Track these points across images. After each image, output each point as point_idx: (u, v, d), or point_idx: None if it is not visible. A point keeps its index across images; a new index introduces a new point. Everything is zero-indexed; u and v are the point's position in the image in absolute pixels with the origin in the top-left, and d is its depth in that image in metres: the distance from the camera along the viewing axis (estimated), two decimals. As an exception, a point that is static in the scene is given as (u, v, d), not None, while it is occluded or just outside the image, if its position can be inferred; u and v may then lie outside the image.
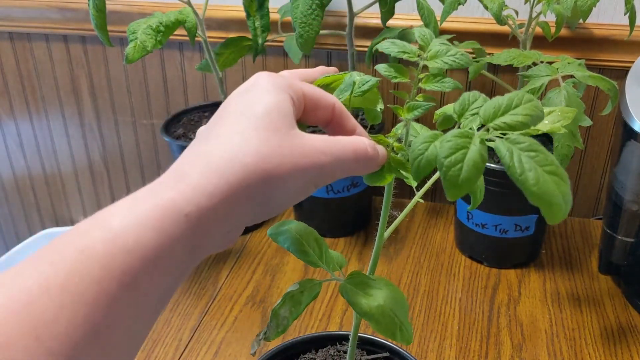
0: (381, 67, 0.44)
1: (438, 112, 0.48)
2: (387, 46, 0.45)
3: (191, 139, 0.93)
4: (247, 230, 0.99)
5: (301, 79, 0.42)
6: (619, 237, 0.81)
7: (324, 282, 0.48)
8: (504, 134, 0.35)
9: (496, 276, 0.88)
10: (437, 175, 0.48)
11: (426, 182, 0.48)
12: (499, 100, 0.37)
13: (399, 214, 0.49)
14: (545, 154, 0.34)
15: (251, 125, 0.36)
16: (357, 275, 0.47)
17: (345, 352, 0.60)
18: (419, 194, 0.50)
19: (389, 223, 0.50)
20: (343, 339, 0.61)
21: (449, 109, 0.45)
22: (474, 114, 0.38)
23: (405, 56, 0.45)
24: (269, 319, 0.45)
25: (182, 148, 0.91)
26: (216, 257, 0.94)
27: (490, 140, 0.35)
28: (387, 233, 0.50)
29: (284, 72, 0.42)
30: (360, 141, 0.40)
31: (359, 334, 0.60)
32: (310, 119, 0.41)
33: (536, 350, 0.75)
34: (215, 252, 0.38)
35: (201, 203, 0.33)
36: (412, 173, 0.37)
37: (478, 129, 0.36)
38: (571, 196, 0.34)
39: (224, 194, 0.33)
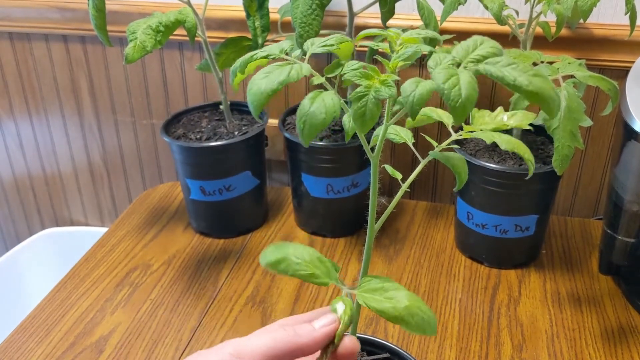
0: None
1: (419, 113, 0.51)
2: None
3: (191, 139, 0.93)
4: (247, 231, 0.99)
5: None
6: (620, 237, 0.81)
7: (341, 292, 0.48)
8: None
9: (496, 276, 0.88)
10: (421, 165, 0.50)
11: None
12: (464, 43, 0.42)
13: (387, 202, 0.50)
14: (524, 64, 0.39)
15: None
16: (369, 281, 0.47)
17: (345, 353, 0.59)
18: (405, 184, 0.51)
19: (380, 214, 0.51)
20: (343, 339, 0.61)
21: (427, 110, 0.52)
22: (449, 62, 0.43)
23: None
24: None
25: (182, 148, 0.91)
26: (216, 257, 0.94)
27: (470, 63, 0.40)
28: (377, 225, 0.51)
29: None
30: None
31: (359, 335, 0.59)
32: None
33: (536, 351, 0.75)
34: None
35: None
36: (407, 109, 0.40)
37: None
38: (556, 90, 0.38)
39: None
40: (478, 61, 0.40)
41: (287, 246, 0.47)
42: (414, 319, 0.44)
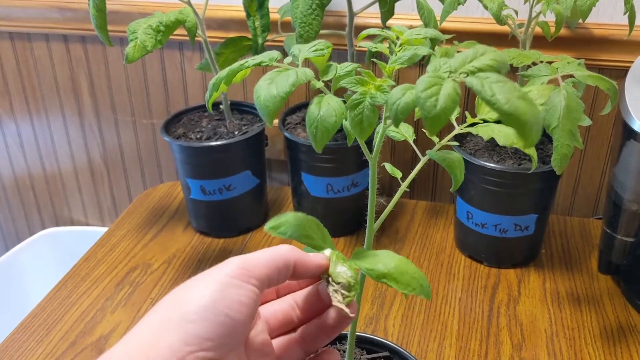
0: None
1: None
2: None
3: (191, 139, 0.93)
4: (247, 230, 0.99)
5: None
6: (619, 236, 0.81)
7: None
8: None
9: (496, 276, 0.89)
10: (420, 165, 0.50)
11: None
12: (465, 52, 0.40)
13: (386, 203, 0.50)
14: (513, 84, 0.36)
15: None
16: (362, 250, 0.48)
17: (345, 352, 0.60)
18: (404, 184, 0.51)
19: (379, 213, 0.51)
20: (343, 338, 0.61)
21: None
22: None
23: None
24: (332, 283, 0.45)
25: (182, 148, 0.91)
26: (216, 256, 0.94)
27: (463, 74, 0.38)
28: (376, 225, 0.51)
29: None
30: None
31: (359, 334, 0.60)
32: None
33: (536, 350, 0.75)
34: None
35: None
36: (391, 117, 0.39)
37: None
38: (541, 119, 0.36)
39: None
40: (472, 72, 0.38)
41: (290, 214, 0.49)
42: (403, 277, 0.44)
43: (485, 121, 0.53)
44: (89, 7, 0.79)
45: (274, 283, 0.43)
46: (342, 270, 0.45)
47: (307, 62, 0.48)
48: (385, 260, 0.45)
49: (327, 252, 0.47)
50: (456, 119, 0.56)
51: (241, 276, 0.41)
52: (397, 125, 0.39)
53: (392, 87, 0.42)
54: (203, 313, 0.38)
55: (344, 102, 0.44)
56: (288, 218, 0.48)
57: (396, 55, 0.46)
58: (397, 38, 0.49)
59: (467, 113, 0.55)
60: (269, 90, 0.43)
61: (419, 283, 0.44)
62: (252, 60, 0.47)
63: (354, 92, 0.44)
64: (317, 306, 0.48)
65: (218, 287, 0.39)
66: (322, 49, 0.47)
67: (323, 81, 0.47)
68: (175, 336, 0.37)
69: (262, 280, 0.42)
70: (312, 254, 0.46)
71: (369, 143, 0.49)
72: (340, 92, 0.44)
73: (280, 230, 0.47)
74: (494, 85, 0.36)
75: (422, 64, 1.01)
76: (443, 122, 0.36)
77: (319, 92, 0.45)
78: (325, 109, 0.43)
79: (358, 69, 0.47)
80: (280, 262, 0.43)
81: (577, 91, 0.73)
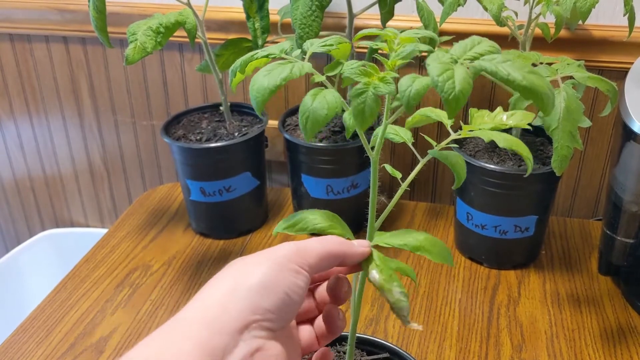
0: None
1: (417, 112, 0.54)
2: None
3: (191, 140, 0.93)
4: (247, 231, 0.99)
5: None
6: (619, 237, 0.81)
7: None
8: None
9: (496, 277, 0.88)
10: (421, 163, 0.50)
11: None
12: (462, 42, 0.43)
13: (387, 200, 0.52)
14: (519, 61, 0.39)
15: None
16: (381, 235, 0.51)
17: (345, 353, 0.60)
18: (405, 183, 0.52)
19: (380, 212, 0.51)
20: (343, 339, 0.61)
21: (426, 110, 0.54)
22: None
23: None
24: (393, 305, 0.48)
25: (182, 149, 0.91)
26: (216, 258, 0.94)
27: (467, 60, 0.41)
28: (377, 223, 0.52)
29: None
30: None
31: (359, 335, 0.60)
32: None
33: (536, 351, 0.75)
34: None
35: None
36: (404, 104, 0.41)
37: None
38: (552, 89, 0.40)
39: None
40: (474, 58, 0.40)
41: (302, 212, 0.52)
42: (435, 247, 0.48)
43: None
44: (88, 9, 0.79)
45: (321, 271, 0.46)
46: (396, 292, 0.50)
47: (330, 55, 0.49)
48: (411, 235, 0.49)
49: (364, 242, 0.50)
50: (451, 127, 0.56)
51: (298, 262, 0.44)
52: (409, 110, 0.41)
53: (395, 79, 0.43)
54: (267, 288, 0.41)
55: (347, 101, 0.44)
56: (304, 215, 0.51)
57: (396, 52, 0.47)
58: (395, 38, 0.50)
59: (461, 122, 0.55)
60: (262, 82, 0.45)
61: (447, 253, 0.49)
62: (262, 51, 0.48)
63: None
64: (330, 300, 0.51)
65: (278, 267, 0.42)
66: (332, 44, 0.48)
67: (327, 76, 0.47)
68: (244, 304, 0.40)
69: (313, 268, 0.45)
70: (356, 242, 0.49)
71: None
72: (343, 92, 0.45)
73: (297, 228, 0.51)
74: (504, 65, 0.39)
75: (421, 65, 1.01)
76: (462, 103, 0.38)
77: (320, 86, 0.46)
78: (319, 101, 0.44)
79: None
80: (332, 254, 0.46)
81: (577, 92, 0.74)
